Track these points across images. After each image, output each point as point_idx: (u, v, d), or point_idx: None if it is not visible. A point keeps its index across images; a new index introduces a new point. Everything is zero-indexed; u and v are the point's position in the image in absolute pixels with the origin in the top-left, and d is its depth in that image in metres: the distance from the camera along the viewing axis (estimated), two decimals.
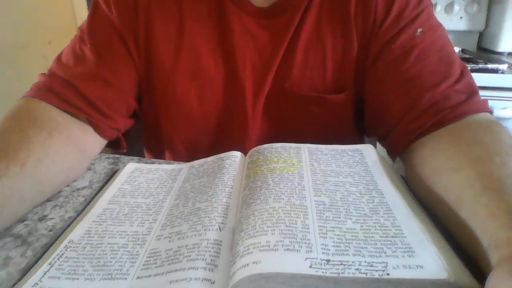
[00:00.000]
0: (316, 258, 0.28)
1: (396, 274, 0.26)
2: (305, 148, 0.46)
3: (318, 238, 0.30)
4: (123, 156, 0.54)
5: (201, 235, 0.33)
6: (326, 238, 0.30)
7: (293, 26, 0.53)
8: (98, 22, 0.54)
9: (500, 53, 1.35)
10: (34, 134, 0.43)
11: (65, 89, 0.49)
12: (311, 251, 0.28)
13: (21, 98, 0.49)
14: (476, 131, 0.41)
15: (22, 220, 0.39)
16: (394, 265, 0.27)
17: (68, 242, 0.33)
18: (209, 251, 0.30)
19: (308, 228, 0.31)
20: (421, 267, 0.27)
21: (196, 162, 0.48)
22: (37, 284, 0.29)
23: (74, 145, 0.47)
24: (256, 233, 0.31)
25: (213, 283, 0.27)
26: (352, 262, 0.27)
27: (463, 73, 0.47)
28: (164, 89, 0.56)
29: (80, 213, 0.39)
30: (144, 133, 0.66)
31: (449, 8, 1.38)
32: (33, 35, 1.46)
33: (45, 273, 0.30)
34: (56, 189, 0.44)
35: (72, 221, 0.37)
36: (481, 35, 1.46)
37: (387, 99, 0.50)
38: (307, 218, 0.33)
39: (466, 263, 0.28)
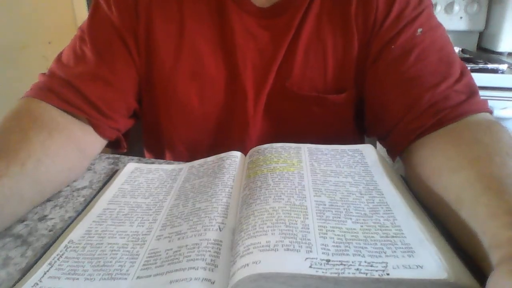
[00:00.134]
0: (316, 258, 0.28)
1: (396, 274, 0.26)
2: (305, 148, 0.46)
3: (318, 238, 0.30)
4: (123, 156, 0.54)
5: (201, 235, 0.33)
6: (326, 238, 0.30)
7: (294, 26, 0.53)
8: (99, 22, 0.54)
9: (500, 53, 1.35)
10: (34, 134, 0.43)
11: (65, 89, 0.49)
12: (311, 251, 0.28)
13: (21, 98, 0.49)
14: (476, 131, 0.41)
15: (22, 220, 0.39)
16: (394, 265, 0.27)
17: (68, 242, 0.33)
18: (209, 251, 0.30)
19: (308, 228, 0.31)
20: (421, 267, 0.27)
21: (196, 162, 0.48)
22: (37, 284, 0.29)
23: (74, 145, 0.47)
24: (256, 233, 0.31)
25: (213, 283, 0.27)
26: (352, 262, 0.27)
27: (463, 73, 0.47)
28: (164, 89, 0.56)
29: (80, 213, 0.39)
30: (144, 133, 0.66)
31: (449, 8, 1.38)
32: (33, 35, 1.46)
33: (45, 273, 0.30)
34: (56, 189, 0.44)
35: (72, 221, 0.37)
36: (481, 35, 1.46)
37: (387, 99, 0.50)
38: (307, 218, 0.33)
39: (466, 263, 0.28)
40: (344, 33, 0.53)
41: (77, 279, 0.29)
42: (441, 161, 0.39)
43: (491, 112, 0.47)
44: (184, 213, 0.37)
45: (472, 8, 1.36)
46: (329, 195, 0.36)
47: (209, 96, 0.56)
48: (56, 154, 0.44)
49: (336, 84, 0.55)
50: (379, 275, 0.26)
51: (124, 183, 0.44)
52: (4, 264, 0.32)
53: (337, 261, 0.28)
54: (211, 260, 0.29)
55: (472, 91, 0.46)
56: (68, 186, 0.46)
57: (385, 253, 0.29)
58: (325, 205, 0.35)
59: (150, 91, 0.58)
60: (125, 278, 0.29)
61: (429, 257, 0.28)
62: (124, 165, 0.48)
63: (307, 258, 0.28)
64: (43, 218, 0.39)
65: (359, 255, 0.28)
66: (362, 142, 0.65)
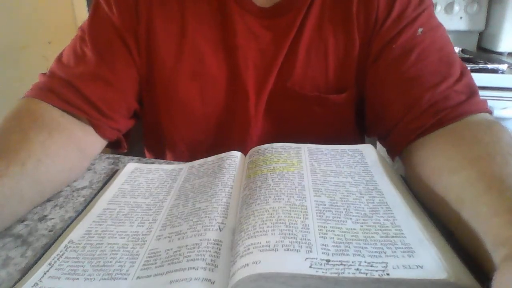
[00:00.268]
0: (316, 258, 0.28)
1: (396, 274, 0.26)
2: (305, 148, 0.46)
3: (318, 238, 0.30)
4: (123, 156, 0.54)
5: (201, 235, 0.33)
6: (326, 238, 0.30)
7: (296, 26, 0.53)
8: (99, 22, 0.54)
9: (500, 53, 1.35)
10: (34, 134, 0.43)
11: (66, 89, 0.49)
12: (311, 251, 0.28)
13: (22, 98, 0.49)
14: (477, 131, 0.41)
15: (22, 220, 0.39)
16: (394, 265, 0.27)
17: (68, 242, 0.33)
18: (209, 251, 0.30)
19: (308, 228, 0.31)
20: (421, 267, 0.27)
21: (196, 162, 0.48)
22: (37, 284, 0.29)
23: (75, 145, 0.47)
24: (256, 233, 0.31)
25: (213, 283, 0.27)
26: (352, 262, 0.27)
27: (463, 73, 0.47)
28: (165, 89, 0.56)
29: (80, 213, 0.39)
30: (145, 133, 0.66)
31: (449, 8, 1.38)
32: (33, 35, 1.46)
33: (45, 273, 0.30)
34: (56, 189, 0.44)
35: (72, 221, 0.37)
36: (481, 35, 1.46)
37: (388, 99, 0.50)
38: (307, 218, 0.33)
39: (466, 263, 0.28)
40: (345, 33, 0.53)
41: (77, 279, 0.29)
42: (441, 161, 0.39)
43: (490, 113, 0.47)
44: (184, 213, 0.37)
45: (472, 8, 1.36)
46: (329, 195, 0.36)
47: (210, 96, 0.56)
48: (56, 154, 0.44)
49: (337, 83, 0.55)
50: (379, 275, 0.26)
51: (124, 183, 0.44)
52: (4, 264, 0.32)
53: (337, 261, 0.28)
54: (211, 260, 0.29)
55: (472, 91, 0.46)
56: (68, 186, 0.46)
57: (385, 253, 0.29)
58: (325, 205, 0.35)
59: (150, 91, 0.57)
60: (125, 278, 0.29)
61: (429, 257, 0.28)
62: (124, 165, 0.48)
63: (307, 258, 0.28)
64: (43, 218, 0.39)
65: (359, 255, 0.28)
66: (362, 142, 0.65)
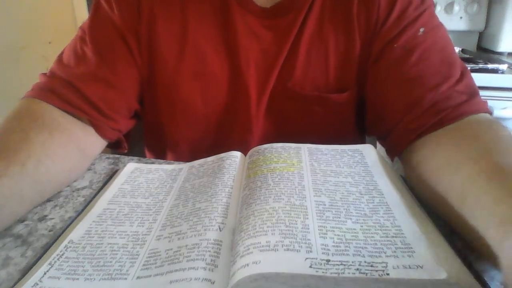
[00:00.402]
0: (316, 258, 0.28)
1: (396, 274, 0.26)
2: (305, 148, 0.46)
3: (318, 238, 0.30)
4: (123, 156, 0.54)
5: (201, 235, 0.33)
6: (326, 238, 0.30)
7: (296, 27, 0.53)
8: (100, 22, 0.54)
9: (500, 53, 1.35)
10: (35, 134, 0.43)
11: (66, 89, 0.49)
12: (311, 251, 0.28)
13: (22, 98, 0.49)
14: (477, 130, 0.41)
15: (22, 220, 0.39)
16: (394, 265, 0.27)
17: (68, 242, 0.33)
18: (209, 251, 0.30)
19: (308, 228, 0.31)
20: (421, 267, 0.27)
21: (196, 162, 0.48)
22: (37, 284, 0.29)
23: (75, 145, 0.47)
24: (256, 233, 0.31)
25: (213, 283, 0.27)
26: (352, 262, 0.27)
27: (463, 74, 0.47)
28: (167, 89, 0.56)
29: (80, 213, 0.39)
30: (145, 133, 0.66)
31: (449, 8, 1.38)
32: (33, 35, 1.46)
33: (45, 273, 0.30)
34: (56, 190, 0.44)
35: (72, 221, 0.37)
36: (481, 35, 1.46)
37: (388, 98, 0.50)
38: (307, 218, 0.33)
39: (466, 263, 0.28)
40: (346, 32, 0.53)
41: (77, 279, 0.29)
42: (442, 160, 0.40)
43: (491, 113, 0.47)
44: (184, 213, 0.37)
45: (472, 8, 1.36)
46: (329, 195, 0.36)
47: (212, 95, 0.56)
48: (56, 154, 0.44)
49: (338, 83, 0.55)
50: (379, 275, 0.26)
51: (124, 183, 0.44)
52: (4, 264, 0.32)
53: (337, 261, 0.28)
54: (211, 260, 0.29)
55: (473, 91, 0.46)
56: (68, 186, 0.46)
57: (385, 253, 0.29)
58: (325, 205, 0.35)
59: (151, 91, 0.57)
60: (125, 278, 0.29)
61: (429, 257, 0.28)
62: (124, 165, 0.48)
63: (307, 258, 0.28)
64: (43, 218, 0.39)
65: (359, 255, 0.28)
66: (362, 142, 0.65)
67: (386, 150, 0.53)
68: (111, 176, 0.47)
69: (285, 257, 0.28)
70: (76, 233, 0.35)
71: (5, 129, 0.43)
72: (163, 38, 0.54)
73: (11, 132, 0.42)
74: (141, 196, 0.41)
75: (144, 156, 0.67)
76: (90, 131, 0.51)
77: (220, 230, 0.33)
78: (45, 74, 0.52)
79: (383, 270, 0.27)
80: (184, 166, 0.48)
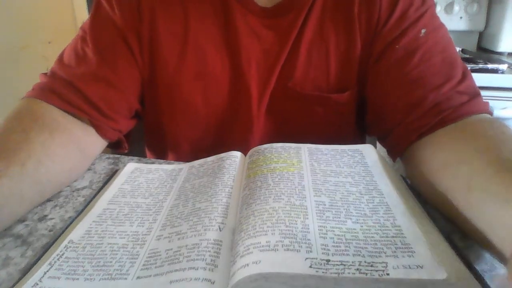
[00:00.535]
0: (316, 258, 0.28)
1: (396, 274, 0.26)
2: (305, 148, 0.46)
3: (318, 238, 0.30)
4: (123, 156, 0.54)
5: (201, 235, 0.33)
6: (326, 238, 0.30)
7: (297, 26, 0.53)
8: (100, 22, 0.54)
9: (500, 53, 1.35)
10: (35, 134, 0.43)
11: (67, 89, 0.49)
12: (311, 251, 0.28)
13: (23, 98, 0.49)
14: (480, 126, 0.41)
15: (22, 220, 0.39)
16: (394, 265, 0.27)
17: (68, 242, 0.33)
18: (209, 251, 0.30)
19: (308, 228, 0.31)
20: (421, 267, 0.27)
21: (196, 162, 0.48)
22: (37, 284, 0.29)
23: (75, 145, 0.47)
24: (256, 233, 0.31)
25: (213, 283, 0.27)
26: (352, 262, 0.27)
27: (465, 75, 0.47)
28: (168, 89, 0.56)
29: (80, 213, 0.39)
30: (146, 133, 0.66)
31: (449, 8, 1.38)
32: (33, 35, 1.46)
33: (45, 273, 0.30)
34: (56, 190, 0.44)
35: (72, 221, 0.37)
36: (481, 35, 1.46)
37: (390, 99, 0.50)
38: (307, 218, 0.33)
39: (466, 263, 0.28)
40: (347, 32, 0.53)
41: (77, 279, 0.29)
42: (448, 155, 0.40)
43: (491, 114, 0.47)
44: (184, 213, 0.37)
45: (472, 8, 1.36)
46: (329, 195, 0.36)
47: (213, 95, 0.56)
48: (56, 154, 0.44)
49: (338, 83, 0.55)
50: (379, 275, 0.26)
51: (124, 183, 0.44)
52: (4, 264, 0.32)
53: (337, 261, 0.28)
54: (211, 260, 0.29)
55: (475, 92, 0.46)
56: (68, 186, 0.46)
57: (385, 253, 0.29)
58: (325, 205, 0.35)
59: (152, 91, 0.57)
60: (125, 278, 0.29)
61: (429, 257, 0.28)
62: (124, 165, 0.48)
63: (307, 258, 0.28)
64: (43, 218, 0.39)
65: (359, 255, 0.28)
66: (362, 142, 0.65)
67: (387, 151, 0.53)
68: (111, 176, 0.47)
69: (285, 257, 0.28)
70: (76, 233, 0.35)
71: (5, 129, 0.43)
72: (164, 38, 0.54)
73: (11, 132, 0.42)
74: (141, 196, 0.41)
75: (145, 156, 0.67)
76: (91, 131, 0.51)
77: (220, 230, 0.33)
78: (45, 74, 0.52)
79: (383, 270, 0.27)
80: (184, 166, 0.48)
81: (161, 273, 0.29)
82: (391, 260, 0.28)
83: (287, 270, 0.26)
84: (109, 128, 0.52)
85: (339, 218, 0.33)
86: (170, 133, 0.61)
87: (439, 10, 1.39)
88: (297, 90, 0.55)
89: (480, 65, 1.11)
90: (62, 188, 0.45)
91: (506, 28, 1.31)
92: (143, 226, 0.36)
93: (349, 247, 0.29)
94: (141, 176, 0.46)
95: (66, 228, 0.36)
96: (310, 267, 0.27)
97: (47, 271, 0.30)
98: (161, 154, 0.65)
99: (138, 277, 0.29)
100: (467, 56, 1.29)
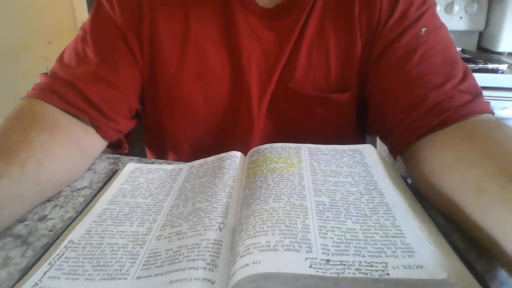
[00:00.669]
0: (316, 258, 0.28)
1: (396, 274, 0.26)
2: (305, 148, 0.46)
3: (318, 238, 0.30)
4: (123, 156, 0.54)
5: (201, 235, 0.33)
6: (326, 238, 0.30)
7: (298, 27, 0.53)
8: (101, 22, 0.54)
9: (500, 53, 1.35)
10: (35, 134, 0.43)
11: (67, 89, 0.49)
12: (311, 251, 0.28)
13: (23, 98, 0.49)
14: (487, 129, 0.41)
15: (22, 220, 0.39)
16: (394, 265, 0.27)
17: (68, 242, 0.33)
18: (209, 251, 0.30)
19: (308, 228, 0.31)
20: (421, 267, 0.27)
21: (196, 162, 0.48)
22: (37, 284, 0.29)
23: (75, 146, 0.47)
24: (256, 233, 0.31)
25: (213, 283, 0.27)
26: (352, 262, 0.27)
27: (466, 74, 0.47)
28: (169, 89, 0.56)
29: (80, 213, 0.39)
30: (146, 133, 0.66)
31: (449, 8, 1.38)
32: (33, 35, 1.46)
33: (45, 273, 0.30)
34: (56, 190, 0.44)
35: (72, 221, 0.37)
36: (481, 35, 1.46)
37: (390, 98, 0.50)
38: (307, 218, 0.33)
39: (466, 263, 0.28)
40: (347, 33, 0.53)
41: (77, 279, 0.29)
42: (454, 157, 0.39)
43: (493, 114, 0.47)
44: (184, 213, 0.37)
45: (472, 8, 1.36)
46: (329, 195, 0.36)
47: (213, 96, 0.56)
48: (56, 154, 0.44)
49: (339, 83, 0.55)
50: (379, 275, 0.26)
51: (124, 183, 0.44)
52: (4, 264, 0.32)
53: (337, 261, 0.28)
54: (211, 260, 0.29)
55: (476, 92, 0.46)
56: (68, 186, 0.46)
57: (385, 253, 0.29)
58: (325, 205, 0.35)
59: (153, 91, 0.57)
60: (125, 278, 0.29)
61: (429, 257, 0.28)
62: (124, 165, 0.48)
63: (307, 258, 0.28)
64: (43, 218, 0.39)
65: (359, 255, 0.28)
66: (362, 142, 0.65)
67: (389, 149, 0.53)
68: (111, 176, 0.47)
69: (285, 257, 0.28)
70: (76, 233, 0.35)
71: (5, 129, 0.43)
72: (164, 38, 0.54)
73: (11, 132, 0.42)
74: (141, 196, 0.41)
75: (145, 156, 0.67)
76: (91, 131, 0.51)
77: (220, 230, 0.33)
78: (45, 74, 0.52)
79: (383, 270, 0.27)
80: (184, 166, 0.48)
81: (161, 273, 0.29)
82: (391, 260, 0.28)
83: (287, 270, 0.26)
84: (109, 128, 0.52)
85: (339, 218, 0.33)
86: (170, 133, 0.61)
87: (439, 10, 1.39)
88: (298, 91, 0.55)
89: (480, 65, 1.11)
90: (62, 188, 0.45)
91: (506, 28, 1.31)
92: (143, 226, 0.36)
93: (349, 247, 0.29)
94: (141, 176, 0.46)
95: (66, 228, 0.36)
96: (310, 267, 0.27)
97: (47, 271, 0.30)
98: (161, 154, 0.65)
99: (138, 277, 0.29)
100: (467, 56, 1.29)
